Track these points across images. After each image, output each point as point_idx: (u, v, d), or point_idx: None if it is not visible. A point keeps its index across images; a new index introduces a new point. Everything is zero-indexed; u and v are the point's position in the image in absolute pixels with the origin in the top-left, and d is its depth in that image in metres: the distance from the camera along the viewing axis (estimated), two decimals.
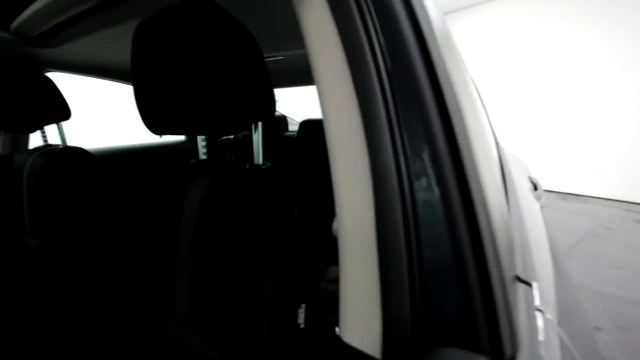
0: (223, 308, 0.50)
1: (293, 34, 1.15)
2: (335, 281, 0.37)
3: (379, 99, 0.29)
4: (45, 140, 1.15)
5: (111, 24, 0.92)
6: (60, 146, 1.07)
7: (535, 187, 1.27)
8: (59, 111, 1.05)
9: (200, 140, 0.71)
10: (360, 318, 0.27)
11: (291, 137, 2.11)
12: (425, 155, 0.26)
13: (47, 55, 1.19)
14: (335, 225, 0.35)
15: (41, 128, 1.07)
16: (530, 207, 0.85)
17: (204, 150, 0.71)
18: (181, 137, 2.25)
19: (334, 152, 0.31)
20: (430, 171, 0.26)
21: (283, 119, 2.28)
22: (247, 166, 0.59)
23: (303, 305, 0.42)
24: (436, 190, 0.26)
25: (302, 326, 0.41)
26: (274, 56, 1.37)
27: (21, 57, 1.15)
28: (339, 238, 0.30)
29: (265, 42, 0.54)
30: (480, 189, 0.26)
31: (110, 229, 1.34)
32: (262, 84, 0.54)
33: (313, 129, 1.93)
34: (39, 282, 0.90)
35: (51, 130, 1.17)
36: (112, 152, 1.73)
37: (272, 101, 0.57)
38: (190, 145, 2.19)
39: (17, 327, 0.89)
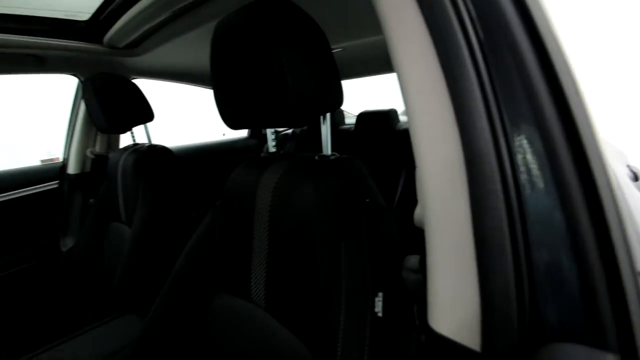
0: (299, 295, 0.52)
1: (351, 24, 1.14)
2: (418, 271, 0.36)
3: (471, 75, 0.26)
4: (134, 140, 1.30)
5: (189, 29, 1.00)
6: (147, 145, 1.20)
7: (636, 177, 1.09)
8: (145, 114, 1.17)
9: (270, 134, 0.74)
10: (453, 309, 0.26)
11: (347, 130, 2.10)
12: (533, 138, 0.24)
13: (133, 64, 1.34)
14: (418, 214, 0.34)
15: (130, 129, 1.21)
16: (633, 197, 0.74)
17: (273, 144, 0.74)
18: (243, 134, 2.38)
19: (419, 136, 0.30)
20: (539, 155, 0.23)
21: (339, 112, 2.27)
22: (316, 157, 0.60)
23: (380, 294, 0.41)
24: (547, 175, 0.23)
25: (380, 315, 0.40)
26: (333, 49, 1.37)
27: (113, 66, 1.31)
28: (426, 227, 0.29)
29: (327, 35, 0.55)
30: (606, 176, 0.23)
31: (190, 216, 1.47)
32: (331, 76, 0.54)
33: (371, 121, 1.90)
34: (133, 264, 1.02)
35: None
36: (185, 150, 1.90)
37: (340, 92, 0.57)
38: (251, 141, 2.30)
39: (114, 300, 1.03)
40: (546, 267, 0.23)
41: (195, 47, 1.21)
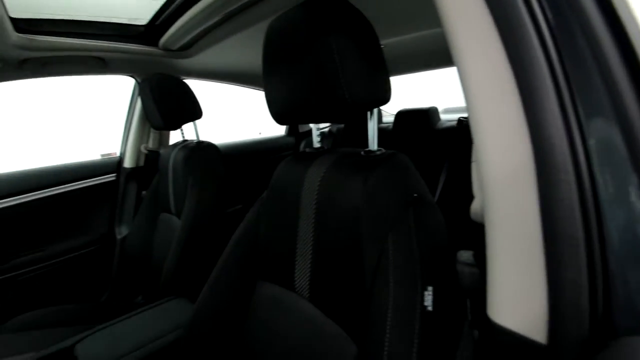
0: (344, 286, 0.53)
1: (392, 21, 1.13)
2: (473, 264, 0.36)
3: (540, 58, 0.25)
4: (183, 137, 1.39)
5: (238, 30, 1.05)
6: (195, 141, 1.27)
7: None
8: (195, 112, 1.25)
9: (315, 130, 0.76)
10: (518, 301, 0.26)
11: (385, 128, 2.08)
12: (610, 125, 0.23)
13: (185, 65, 1.43)
14: (476, 208, 0.33)
15: (181, 126, 1.29)
16: None
17: (318, 139, 0.75)
18: (280, 132, 2.44)
19: (481, 126, 0.29)
20: (616, 144, 0.22)
21: (375, 111, 2.25)
22: (362, 152, 0.61)
23: (430, 288, 0.41)
24: (625, 165, 0.22)
25: (429, 309, 0.40)
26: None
27: (166, 67, 1.40)
28: (486, 220, 0.29)
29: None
30: None
31: (231, 210, 1.53)
32: (380, 72, 0.55)
33: (409, 119, 1.87)
34: (182, 252, 1.09)
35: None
36: (227, 147, 1.98)
37: (388, 88, 0.57)
38: (288, 139, 2.35)
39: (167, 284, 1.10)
40: (622, 258, 0.22)
41: (243, 48, 1.27)
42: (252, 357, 0.67)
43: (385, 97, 0.56)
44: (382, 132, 2.05)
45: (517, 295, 0.26)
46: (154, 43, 1.25)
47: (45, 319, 1.17)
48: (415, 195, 0.50)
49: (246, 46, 1.32)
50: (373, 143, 0.60)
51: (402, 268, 0.44)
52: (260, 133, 2.72)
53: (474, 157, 0.36)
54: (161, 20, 1.14)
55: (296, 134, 2.36)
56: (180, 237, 1.10)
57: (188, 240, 1.10)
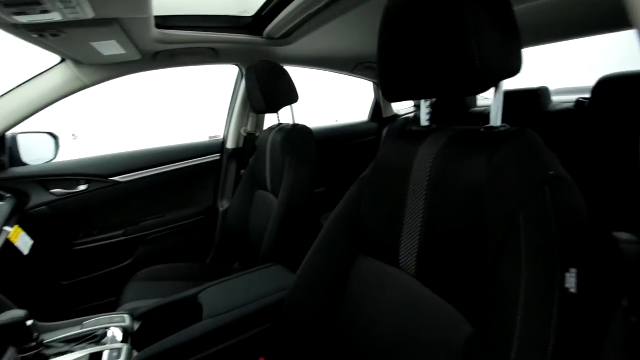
0: (460, 265, 0.52)
1: None
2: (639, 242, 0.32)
3: None
4: (279, 120, 1.49)
5: (338, 15, 1.08)
6: (291, 124, 1.36)
7: None
8: (292, 96, 1.33)
9: (424, 107, 0.74)
10: None
11: (480, 113, 1.93)
12: None
13: (284, 52, 1.52)
14: None
15: (280, 109, 1.38)
16: None
17: (427, 117, 0.74)
18: (363, 119, 2.44)
19: None
20: None
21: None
22: (482, 129, 0.58)
23: (573, 271, 0.38)
24: None
25: (572, 291, 0.38)
26: None
27: (268, 55, 1.52)
28: None
29: None
30: None
31: (319, 190, 1.60)
32: (512, 40, 0.51)
33: (513, 101, 1.67)
34: (280, 225, 1.19)
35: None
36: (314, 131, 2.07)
37: (519, 58, 0.53)
38: (371, 125, 2.35)
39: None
40: None
41: (337, 34, 1.30)
42: (351, 327, 0.70)
43: (516, 69, 0.52)
44: (478, 117, 1.90)
45: None
46: (259, 33, 1.36)
47: (165, 273, 1.40)
48: (551, 173, 0.46)
49: (341, 32, 1.34)
50: (496, 119, 0.57)
51: (538, 248, 0.41)
52: (336, 120, 2.76)
53: None
54: (267, 11, 1.23)
55: (380, 120, 2.33)
56: (278, 212, 1.20)
57: (285, 215, 1.19)
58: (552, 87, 1.69)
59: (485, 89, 0.51)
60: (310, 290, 0.77)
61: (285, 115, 1.43)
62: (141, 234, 1.59)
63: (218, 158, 1.79)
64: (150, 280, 1.34)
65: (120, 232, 1.55)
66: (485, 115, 1.86)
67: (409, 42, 0.55)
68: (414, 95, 0.59)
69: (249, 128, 1.77)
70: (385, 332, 0.62)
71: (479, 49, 0.46)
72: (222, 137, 1.81)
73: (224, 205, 1.77)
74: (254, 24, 1.33)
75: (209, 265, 1.68)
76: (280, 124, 1.45)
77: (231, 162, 1.78)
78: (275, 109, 1.33)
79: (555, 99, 1.66)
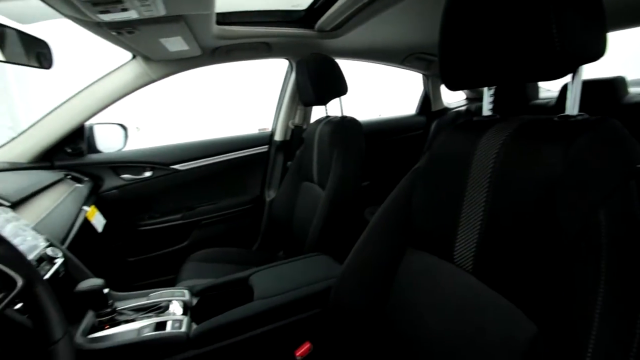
0: (525, 261, 0.49)
1: None
2: None
3: None
4: (327, 113, 1.50)
5: (388, 6, 1.06)
6: (339, 116, 1.36)
7: None
8: (341, 88, 1.33)
9: (488, 96, 0.70)
10: None
11: (543, 105, 1.78)
12: None
13: (334, 45, 1.53)
14: None
15: (329, 101, 1.39)
16: None
17: (490, 106, 0.70)
18: (410, 113, 2.37)
19: None
20: None
21: (532, 85, 1.94)
22: (555, 118, 0.54)
23: None
24: None
25: None
26: None
27: (318, 48, 1.53)
28: None
29: None
30: None
31: (364, 184, 1.59)
32: (597, 21, 0.47)
33: (584, 92, 1.52)
34: (326, 216, 1.20)
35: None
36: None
37: (604, 41, 0.48)
38: (419, 119, 2.27)
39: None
40: None
41: (391, 24, 1.28)
42: (399, 320, 0.69)
43: (598, 52, 0.48)
44: (540, 109, 1.76)
45: None
46: (311, 26, 1.37)
47: (216, 256, 1.49)
48: (638, 166, 0.41)
49: (392, 22, 1.31)
50: (573, 107, 0.52)
51: (620, 248, 0.38)
52: (380, 115, 2.71)
53: None
54: (320, 4, 1.24)
55: (428, 113, 2.25)
56: (325, 203, 1.21)
57: (331, 206, 1.20)
58: (629, 77, 1.51)
59: (563, 73, 0.47)
60: (357, 280, 0.77)
61: (332, 109, 1.44)
62: (196, 218, 1.71)
63: (266, 150, 1.86)
64: (204, 262, 1.44)
65: (179, 215, 1.67)
66: (548, 107, 1.71)
67: (477, 24, 0.52)
68: (479, 82, 0.56)
69: (297, 121, 1.80)
70: (436, 327, 0.61)
71: (560, 30, 0.43)
72: (270, 129, 1.87)
73: (270, 195, 1.84)
74: (306, 17, 1.34)
75: (256, 252, 1.75)
76: (328, 117, 1.46)
77: (278, 154, 1.83)
78: (324, 101, 1.34)
79: (632, 90, 1.48)
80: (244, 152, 1.81)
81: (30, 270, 0.52)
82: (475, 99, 2.37)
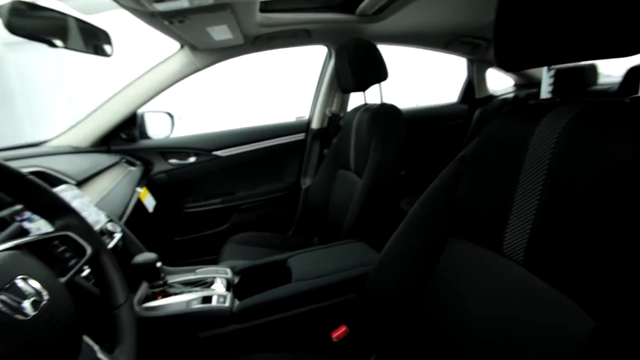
0: (588, 253, 0.46)
1: None
2: None
3: None
4: (365, 100, 1.47)
5: None
6: (379, 104, 1.33)
7: None
8: (381, 73, 1.30)
9: (547, 77, 0.66)
10: None
11: (603, 92, 1.62)
12: None
13: (374, 30, 1.49)
14: None
15: (368, 88, 1.37)
16: None
17: (549, 88, 0.65)
18: (452, 101, 2.27)
19: None
20: None
21: (590, 69, 1.77)
22: (627, 100, 0.49)
23: None
24: None
25: None
26: None
27: (358, 34, 1.51)
28: None
29: None
30: None
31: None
32: None
33: None
34: (363, 204, 1.20)
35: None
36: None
37: None
38: (461, 107, 2.17)
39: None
40: None
41: (436, 6, 1.22)
42: (440, 310, 0.68)
43: None
44: (601, 95, 1.60)
45: None
46: (352, 11, 1.35)
47: (254, 239, 1.55)
48: None
49: (437, 4, 1.25)
50: None
51: None
52: (416, 104, 2.62)
53: None
54: None
55: (471, 101, 2.14)
56: (362, 191, 1.21)
57: (368, 194, 1.19)
58: None
59: (628, 52, 0.43)
60: (396, 268, 0.77)
61: (370, 98, 1.42)
62: (235, 203, 1.78)
63: (303, 137, 1.87)
64: (242, 244, 1.50)
65: (219, 200, 1.75)
66: (610, 94, 1.56)
67: (542, 3, 0.49)
68: (542, 60, 0.52)
69: (334, 108, 1.80)
70: (480, 319, 0.59)
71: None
72: (307, 117, 1.88)
73: (306, 182, 1.86)
74: (347, 1, 1.32)
75: (291, 237, 1.79)
76: (366, 104, 1.44)
77: (315, 142, 1.85)
78: (363, 87, 1.32)
79: None
80: (281, 140, 1.84)
81: (97, 240, 0.58)
82: (524, 86, 2.21)
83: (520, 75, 2.17)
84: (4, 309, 0.36)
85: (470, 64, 2.11)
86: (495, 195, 0.61)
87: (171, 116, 1.71)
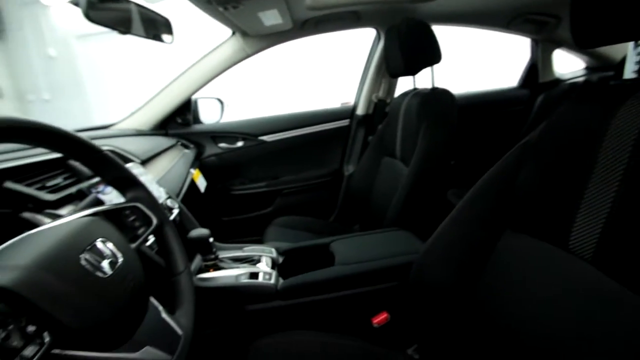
0: None
1: None
2: None
3: None
4: (415, 85, 1.41)
5: None
6: (430, 88, 1.27)
7: None
8: (434, 56, 1.23)
9: (634, 53, 0.58)
10: None
11: None
12: None
13: (429, 9, 1.42)
14: None
15: (420, 71, 1.30)
16: None
17: (636, 67, 0.58)
18: (511, 85, 2.09)
19: None
20: None
21: None
22: None
23: None
24: None
25: None
26: None
27: (412, 14, 1.44)
28: None
29: None
30: None
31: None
32: None
33: None
34: (410, 193, 1.17)
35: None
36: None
37: None
38: (522, 92, 1.99)
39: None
40: None
41: None
42: (494, 305, 0.65)
43: None
44: None
45: None
46: None
47: (297, 223, 1.59)
48: None
49: None
50: None
51: None
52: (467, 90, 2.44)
53: None
54: None
55: (533, 86, 1.95)
56: (408, 179, 1.17)
57: (415, 182, 1.16)
58: None
59: None
60: (443, 258, 0.74)
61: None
62: (279, 187, 1.83)
63: (347, 124, 1.86)
64: (285, 227, 1.55)
65: (264, 183, 1.81)
66: None
67: None
68: (626, 34, 0.46)
69: (380, 94, 1.75)
70: (539, 317, 0.55)
71: None
72: (352, 103, 1.86)
73: (349, 169, 1.85)
74: None
75: (333, 223, 1.81)
76: (416, 89, 1.38)
77: (359, 128, 1.82)
78: (414, 71, 1.26)
79: None
80: (325, 126, 1.85)
81: (162, 213, 0.63)
82: (598, 69, 1.96)
83: (594, 56, 1.93)
84: (87, 266, 0.41)
85: (535, 44, 1.92)
86: (563, 186, 0.55)
87: (221, 102, 1.79)
